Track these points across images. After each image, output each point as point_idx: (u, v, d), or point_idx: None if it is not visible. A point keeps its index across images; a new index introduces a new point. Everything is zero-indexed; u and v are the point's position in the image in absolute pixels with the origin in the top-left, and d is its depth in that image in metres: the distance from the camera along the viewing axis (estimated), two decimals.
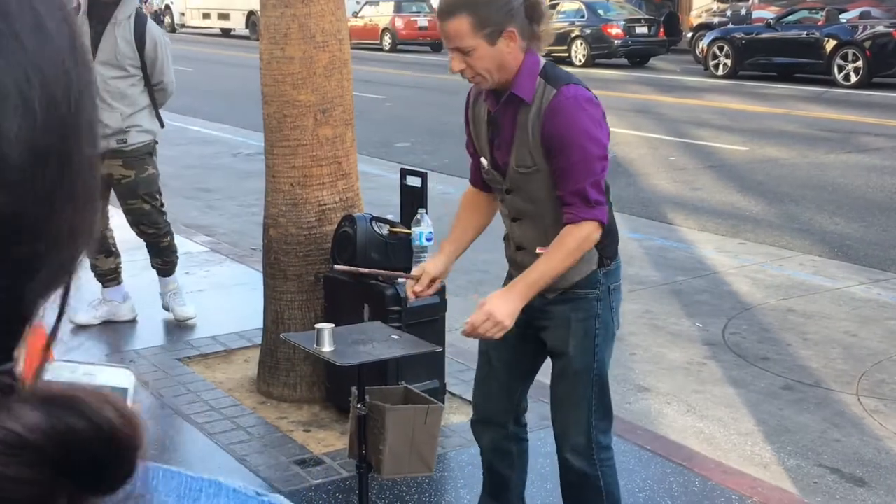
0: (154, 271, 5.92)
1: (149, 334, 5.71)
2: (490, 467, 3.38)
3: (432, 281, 3.10)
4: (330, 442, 4.36)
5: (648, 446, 4.34)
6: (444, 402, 4.43)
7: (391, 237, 4.44)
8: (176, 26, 39.94)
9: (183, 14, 39.16)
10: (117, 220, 5.81)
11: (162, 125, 5.65)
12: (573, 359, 3.03)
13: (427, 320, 4.35)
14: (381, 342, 3.02)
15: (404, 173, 4.71)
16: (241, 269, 6.97)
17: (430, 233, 4.38)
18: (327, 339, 2.91)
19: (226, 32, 36.55)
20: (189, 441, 4.37)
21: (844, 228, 8.51)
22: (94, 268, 5.73)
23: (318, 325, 2.95)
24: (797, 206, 9.33)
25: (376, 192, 9.62)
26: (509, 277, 3.17)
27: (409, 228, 4.33)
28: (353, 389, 3.04)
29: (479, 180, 3.20)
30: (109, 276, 5.77)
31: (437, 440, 3.03)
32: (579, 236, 2.83)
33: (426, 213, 4.37)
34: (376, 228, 4.45)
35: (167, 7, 41.35)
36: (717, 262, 7.56)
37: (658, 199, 9.68)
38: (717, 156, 11.86)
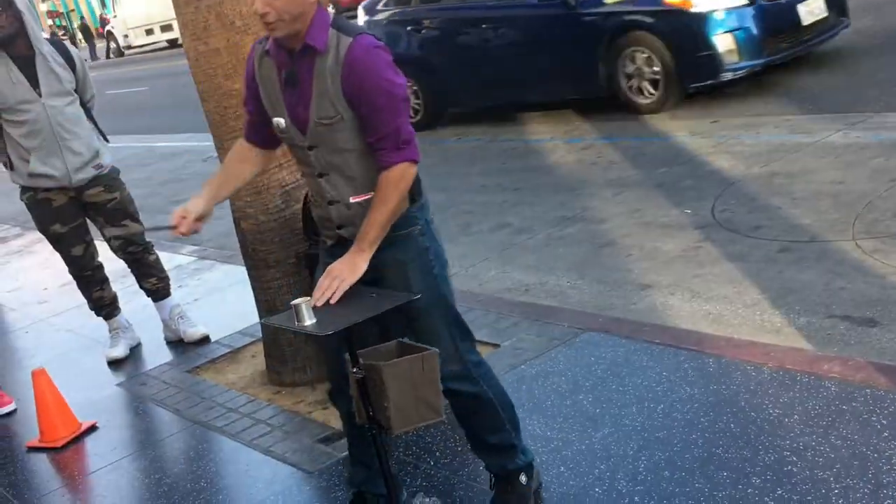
0: (145, 295, 5.92)
1: (154, 354, 5.72)
2: (352, 424, 3.32)
3: (198, 220, 3.15)
4: None
5: (657, 340, 4.34)
6: None
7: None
8: (122, 49, 39.68)
9: (126, 35, 38.87)
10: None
11: (107, 140, 5.63)
12: (422, 298, 3.08)
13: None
14: (360, 303, 3.00)
15: None
16: (232, 269, 6.98)
17: None
18: (306, 314, 2.90)
19: (172, 43, 36.24)
20: (214, 447, 4.40)
21: (811, 81, 8.46)
22: (100, 300, 5.76)
23: (293, 302, 2.93)
24: (761, 70, 9.25)
25: None
26: (325, 245, 3.25)
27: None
28: (346, 356, 3.04)
29: (252, 136, 3.26)
30: (114, 305, 5.83)
31: (439, 385, 3.01)
32: (394, 179, 2.92)
33: None
34: None
35: (109, 33, 41.05)
36: (694, 145, 7.53)
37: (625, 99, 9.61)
38: None
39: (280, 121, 3.06)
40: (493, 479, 3.41)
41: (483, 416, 3.29)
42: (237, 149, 3.32)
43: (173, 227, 3.15)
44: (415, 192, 3.05)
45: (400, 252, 3.06)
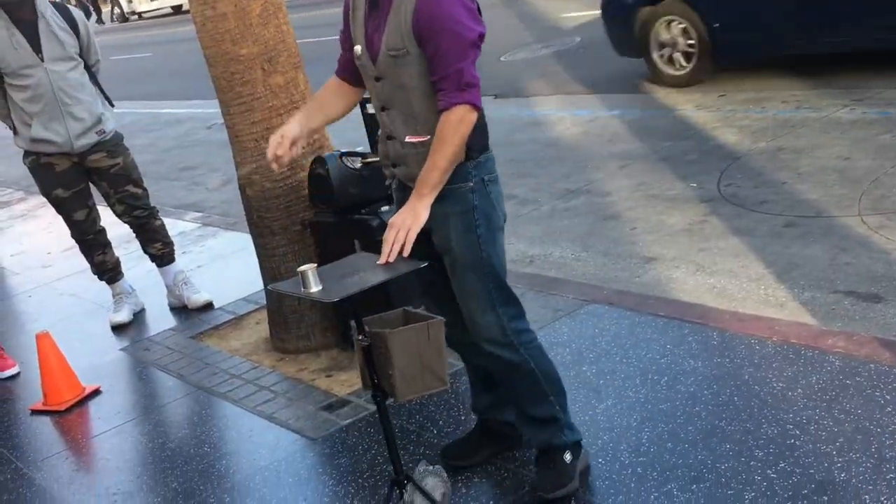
0: (149, 261, 5.92)
1: (157, 320, 5.73)
2: (468, 361, 3.45)
3: (293, 145, 3.17)
4: (353, 382, 4.38)
5: (662, 313, 4.34)
6: None
7: (365, 168, 4.41)
8: (127, 15, 39.52)
9: (130, 1, 38.67)
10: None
11: (112, 105, 5.61)
12: (459, 255, 3.06)
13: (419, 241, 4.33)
14: (367, 270, 3.00)
15: (363, 103, 4.65)
16: (236, 235, 6.98)
17: None
18: (312, 280, 2.89)
19: (177, 10, 36.07)
20: (217, 413, 4.41)
21: (819, 56, 8.40)
22: (102, 265, 5.76)
23: (299, 268, 2.93)
24: None
25: (355, 131, 9.56)
26: (391, 179, 3.23)
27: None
28: (352, 322, 3.04)
29: (343, 71, 3.25)
30: (117, 270, 5.83)
31: (444, 353, 3.01)
32: (452, 121, 2.87)
33: None
34: (348, 163, 4.42)
35: None
36: (701, 119, 7.50)
37: (630, 73, 9.56)
38: None
39: (358, 48, 3.05)
40: (536, 456, 3.35)
41: (523, 386, 3.22)
42: (329, 84, 3.30)
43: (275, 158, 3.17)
44: (473, 147, 2.98)
45: (446, 206, 3.00)
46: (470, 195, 3.02)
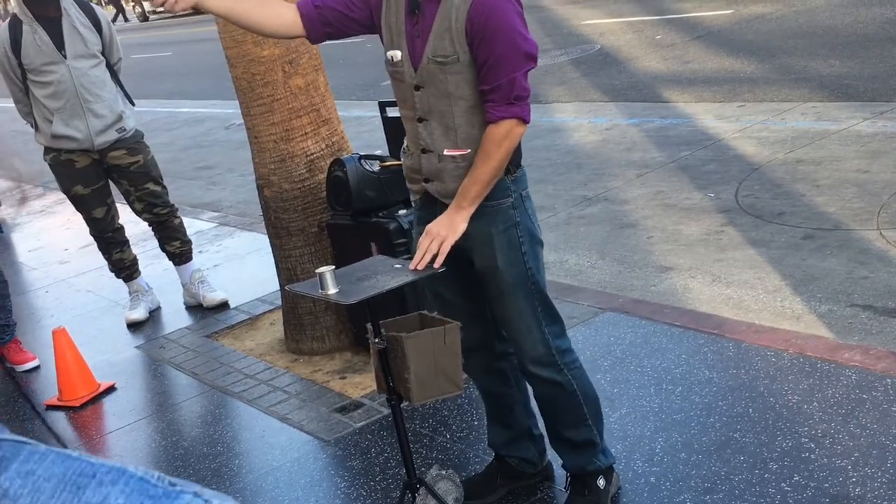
0: (165, 260, 5.94)
1: (173, 318, 5.75)
2: (487, 392, 3.34)
3: None
4: (367, 384, 4.39)
5: (678, 322, 4.33)
6: None
7: (383, 172, 4.42)
8: (148, 14, 39.67)
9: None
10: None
11: (133, 104, 5.63)
12: (505, 273, 2.96)
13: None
14: (385, 274, 3.00)
15: (383, 106, 4.66)
16: (252, 236, 6.99)
17: None
18: (330, 281, 2.90)
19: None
20: (231, 412, 4.42)
21: (841, 69, 8.38)
22: (119, 263, 5.78)
23: (318, 270, 2.93)
24: (790, 57, 9.19)
25: (373, 134, 9.60)
26: (418, 195, 3.07)
27: (399, 159, 4.29)
28: (368, 325, 3.05)
29: (306, 7, 2.90)
30: (134, 267, 5.85)
31: (459, 358, 3.01)
32: (499, 135, 2.76)
33: None
34: (367, 167, 4.43)
35: None
36: (719, 129, 7.48)
37: (651, 81, 9.58)
38: (702, 25, 11.68)
39: (396, 53, 2.88)
40: (568, 480, 3.27)
41: (563, 408, 3.14)
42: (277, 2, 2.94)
43: None
44: (512, 163, 2.89)
45: (488, 223, 2.92)
46: (511, 211, 2.93)
